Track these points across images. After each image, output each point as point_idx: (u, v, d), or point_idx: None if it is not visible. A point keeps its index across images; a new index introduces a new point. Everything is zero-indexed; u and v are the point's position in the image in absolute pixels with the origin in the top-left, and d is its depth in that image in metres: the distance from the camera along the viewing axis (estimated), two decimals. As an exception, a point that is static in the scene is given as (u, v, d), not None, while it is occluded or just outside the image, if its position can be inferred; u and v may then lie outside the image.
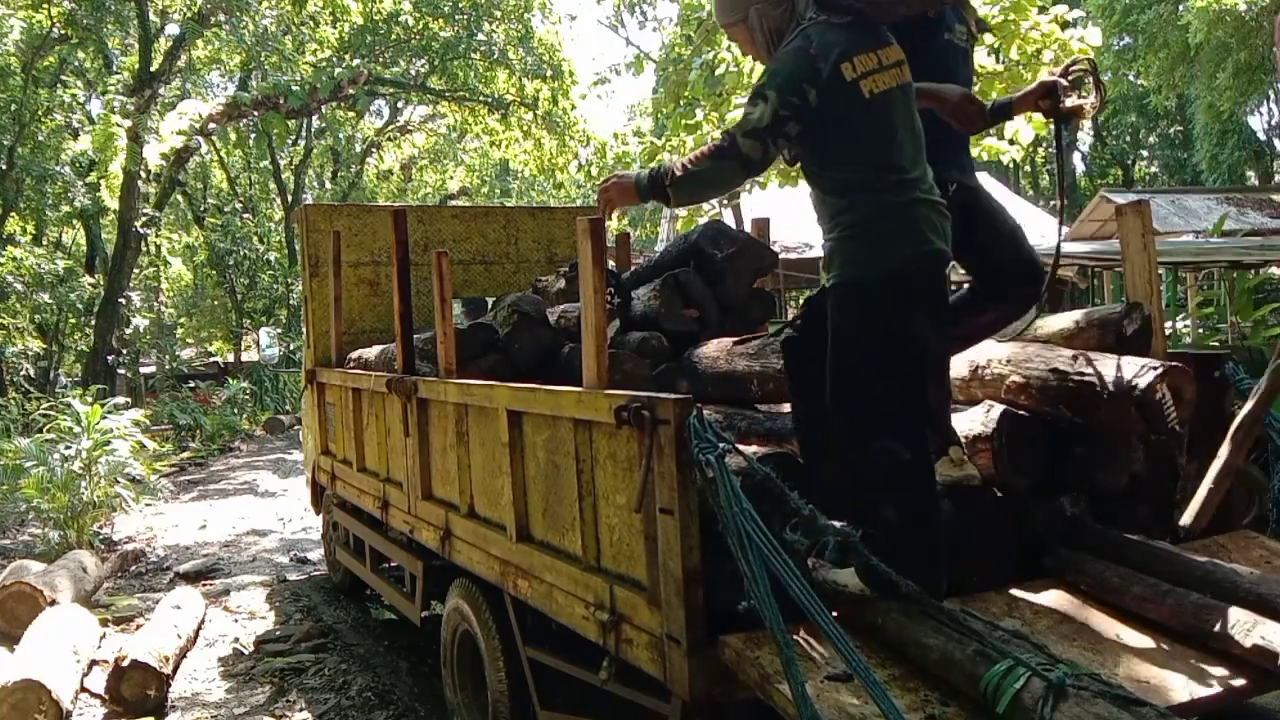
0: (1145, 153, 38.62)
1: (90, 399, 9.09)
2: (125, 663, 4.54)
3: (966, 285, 3.14)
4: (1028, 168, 38.22)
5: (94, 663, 4.96)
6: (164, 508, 10.07)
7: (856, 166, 2.51)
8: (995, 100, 2.98)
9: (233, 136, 20.36)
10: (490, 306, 6.26)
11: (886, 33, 2.61)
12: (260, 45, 18.68)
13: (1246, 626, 2.22)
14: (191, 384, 21.99)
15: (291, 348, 22.30)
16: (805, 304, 2.79)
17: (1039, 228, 23.86)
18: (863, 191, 2.50)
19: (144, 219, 17.87)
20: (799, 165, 2.63)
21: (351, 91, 18.04)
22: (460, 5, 19.36)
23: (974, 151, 9.85)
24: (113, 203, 17.54)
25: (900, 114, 2.54)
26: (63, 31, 18.52)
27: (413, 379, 4.11)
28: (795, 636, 2.12)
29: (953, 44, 2.92)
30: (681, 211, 11.97)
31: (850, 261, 2.50)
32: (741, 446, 2.33)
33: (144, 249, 19.32)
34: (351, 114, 23.97)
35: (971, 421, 2.78)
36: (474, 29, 19.32)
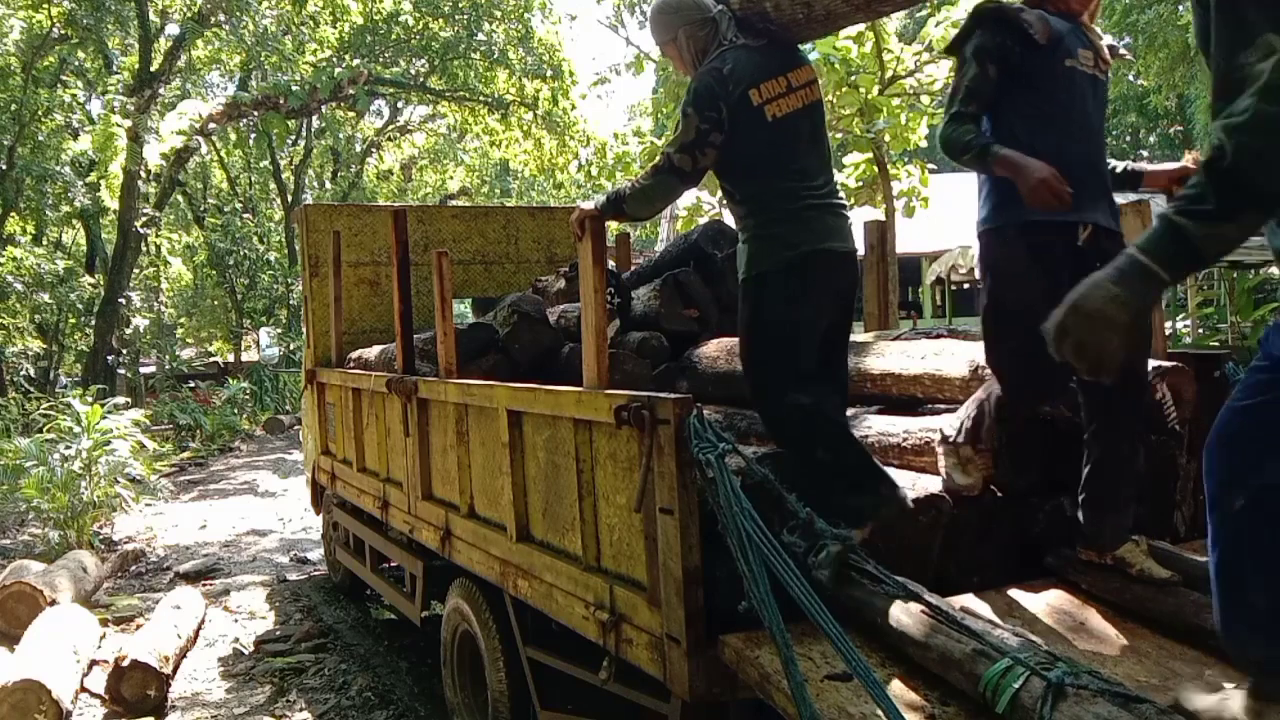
0: (1145, 153, 38.66)
1: (90, 399, 9.09)
2: (125, 663, 4.54)
3: None
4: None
5: (94, 663, 4.97)
6: (164, 508, 10.07)
7: (758, 179, 2.83)
8: (1124, 167, 2.88)
9: (233, 136, 20.39)
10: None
11: (800, 54, 2.98)
12: (260, 45, 18.69)
13: (1246, 626, 2.22)
14: (191, 384, 22.01)
15: (291, 348, 22.31)
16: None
17: (1039, 228, 23.86)
18: (761, 200, 2.83)
19: (144, 219, 17.88)
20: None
21: (351, 91, 18.04)
22: (460, 5, 19.37)
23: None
24: (113, 203, 17.54)
25: (804, 131, 2.86)
26: (63, 31, 18.52)
27: (413, 379, 4.11)
28: (795, 636, 2.12)
29: (1076, 71, 2.65)
30: (681, 211, 11.99)
31: (751, 261, 2.85)
32: (741, 447, 2.33)
33: (144, 249, 19.33)
34: (351, 114, 23.98)
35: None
36: (474, 29, 19.34)
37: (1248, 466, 1.69)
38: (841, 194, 2.98)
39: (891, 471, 2.75)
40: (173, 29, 19.43)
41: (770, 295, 2.80)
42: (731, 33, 2.90)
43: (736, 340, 4.19)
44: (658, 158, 2.87)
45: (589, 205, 2.94)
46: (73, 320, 21.16)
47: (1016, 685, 1.88)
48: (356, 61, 19.11)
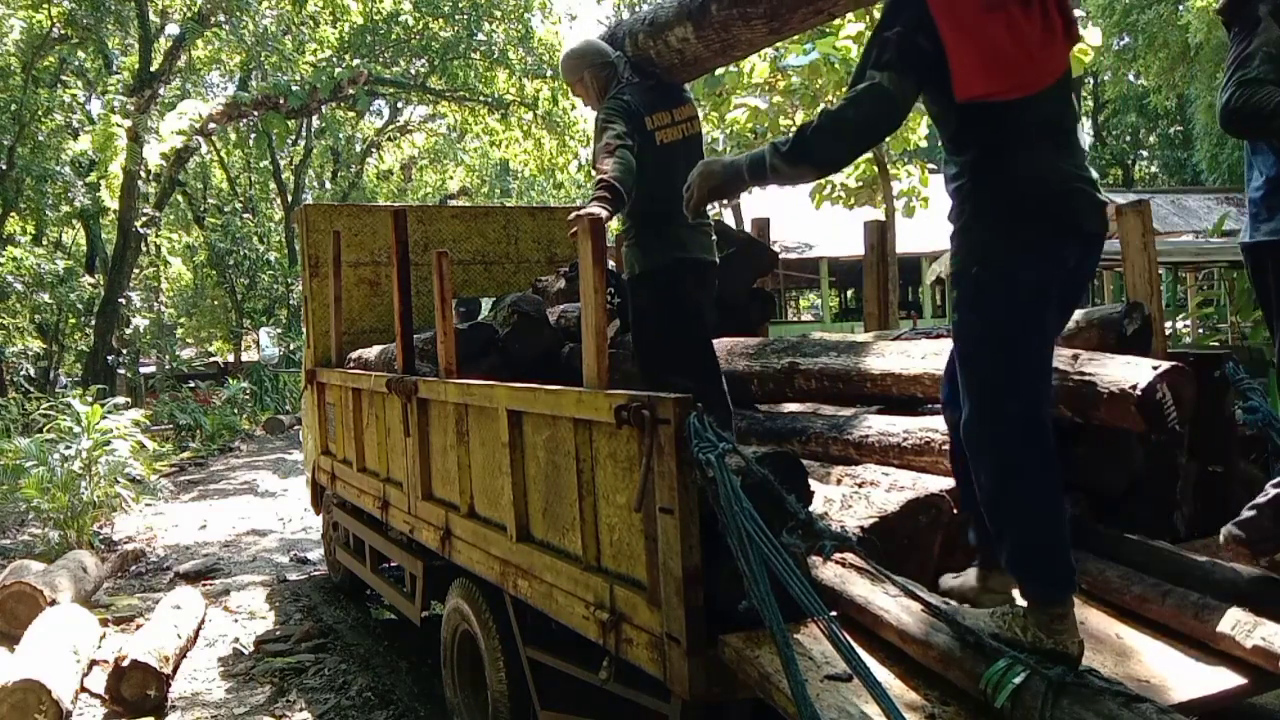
0: (1145, 153, 38.64)
1: (90, 399, 9.09)
2: (125, 663, 4.54)
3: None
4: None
5: (94, 663, 4.96)
6: (164, 508, 10.07)
7: (644, 194, 3.31)
8: None
9: (233, 136, 20.40)
10: (491, 306, 6.27)
11: (683, 92, 3.64)
12: (260, 45, 18.69)
13: (1247, 627, 2.22)
14: (191, 384, 21.98)
15: (291, 348, 22.30)
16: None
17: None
18: (639, 214, 3.44)
19: (144, 219, 17.87)
20: None
21: (351, 91, 18.04)
22: (460, 5, 19.37)
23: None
24: (113, 203, 17.53)
25: (683, 156, 3.41)
26: (63, 31, 18.52)
27: (413, 379, 4.11)
28: (795, 635, 2.13)
29: None
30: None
31: (631, 264, 3.52)
32: (741, 447, 2.33)
33: (144, 249, 19.32)
34: (351, 114, 24.00)
35: (971, 421, 2.78)
36: (474, 29, 19.34)
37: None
38: (709, 213, 3.73)
39: (892, 471, 2.75)
40: (173, 29, 19.44)
41: (647, 292, 3.45)
42: (628, 73, 3.52)
43: (733, 340, 4.23)
44: (600, 153, 3.33)
45: (598, 209, 3.08)
46: (73, 320, 21.16)
47: (1016, 683, 1.89)
48: (356, 61, 19.11)
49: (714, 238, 3.62)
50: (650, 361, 3.50)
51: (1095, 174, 2.33)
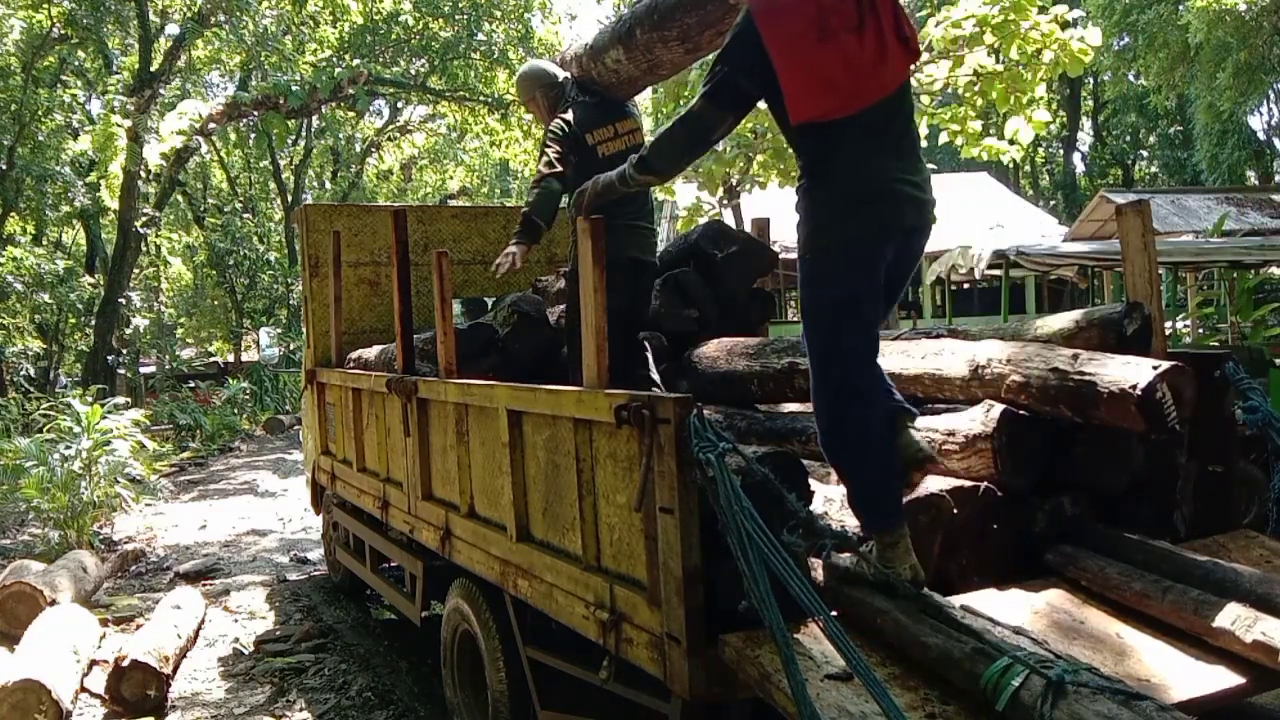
0: (1145, 153, 38.63)
1: (90, 399, 9.09)
2: (125, 663, 4.54)
3: None
4: (1027, 168, 38.23)
5: (94, 663, 4.96)
6: (164, 508, 10.07)
7: None
8: None
9: (233, 136, 20.37)
10: (490, 306, 6.27)
11: (625, 107, 4.02)
12: (260, 45, 18.68)
13: (1247, 622, 2.22)
14: (191, 384, 21.98)
15: (291, 348, 22.30)
16: None
17: (1039, 227, 23.90)
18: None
19: (144, 219, 17.86)
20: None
21: (351, 91, 18.02)
22: (460, 5, 19.36)
23: (974, 151, 9.95)
24: (113, 203, 17.52)
25: None
26: (63, 31, 18.52)
27: (413, 379, 4.11)
28: (795, 635, 2.13)
29: None
30: (681, 212, 12.01)
31: (572, 259, 3.63)
32: (741, 446, 2.33)
33: (144, 249, 19.31)
34: (351, 114, 23.98)
35: (971, 421, 2.78)
36: (474, 29, 19.32)
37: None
38: (653, 218, 4.13)
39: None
40: (173, 29, 19.45)
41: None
42: (574, 92, 3.95)
43: (733, 340, 4.23)
44: (532, 182, 3.88)
45: (513, 248, 3.75)
46: (73, 320, 21.16)
47: (1016, 683, 1.89)
48: (356, 61, 19.09)
49: (654, 240, 4.09)
50: (574, 344, 3.80)
51: (924, 174, 2.51)
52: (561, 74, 4.06)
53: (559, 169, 3.75)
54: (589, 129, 3.83)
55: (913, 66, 2.61)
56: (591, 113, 3.87)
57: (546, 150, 3.82)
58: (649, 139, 3.46)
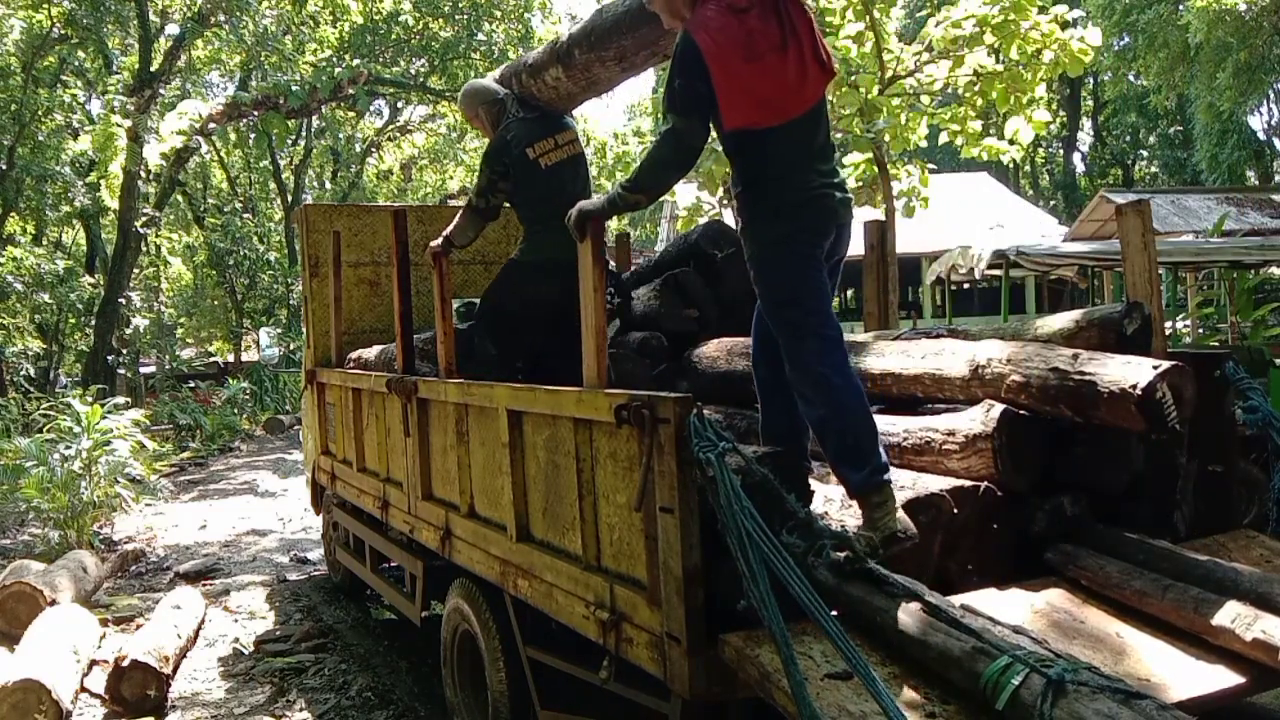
0: (1145, 153, 38.64)
1: (90, 399, 9.09)
2: (125, 663, 4.54)
3: None
4: (1027, 168, 38.25)
5: (94, 663, 4.96)
6: (164, 508, 10.07)
7: (529, 209, 4.15)
8: None
9: (233, 136, 20.34)
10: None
11: (564, 120, 4.24)
12: (260, 45, 18.68)
13: (1247, 620, 2.22)
14: (191, 384, 21.96)
15: (291, 348, 22.29)
16: None
17: (1039, 227, 23.90)
18: (528, 224, 4.23)
19: (144, 219, 17.87)
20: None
21: (351, 91, 18.01)
22: (460, 5, 19.37)
23: (974, 151, 9.95)
24: (113, 203, 17.53)
25: (569, 173, 4.13)
26: (63, 31, 18.53)
27: (413, 379, 4.11)
28: (795, 635, 2.12)
29: None
30: (681, 212, 12.00)
31: (521, 254, 4.23)
32: (741, 446, 2.33)
33: (144, 249, 19.32)
34: (351, 114, 23.98)
35: (971, 421, 2.78)
36: (474, 29, 19.33)
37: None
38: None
39: (891, 470, 2.75)
40: (173, 29, 19.44)
41: (520, 279, 4.13)
42: (514, 108, 4.17)
43: (733, 340, 4.22)
44: (466, 203, 4.23)
45: (436, 242, 4.07)
46: (73, 320, 21.16)
47: (1016, 682, 1.89)
48: (356, 61, 19.08)
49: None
50: (488, 325, 4.21)
51: (840, 176, 2.78)
52: (502, 91, 4.28)
53: (487, 205, 4.15)
54: (530, 143, 4.06)
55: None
56: (533, 127, 4.10)
57: (479, 176, 4.19)
58: (636, 161, 3.53)
